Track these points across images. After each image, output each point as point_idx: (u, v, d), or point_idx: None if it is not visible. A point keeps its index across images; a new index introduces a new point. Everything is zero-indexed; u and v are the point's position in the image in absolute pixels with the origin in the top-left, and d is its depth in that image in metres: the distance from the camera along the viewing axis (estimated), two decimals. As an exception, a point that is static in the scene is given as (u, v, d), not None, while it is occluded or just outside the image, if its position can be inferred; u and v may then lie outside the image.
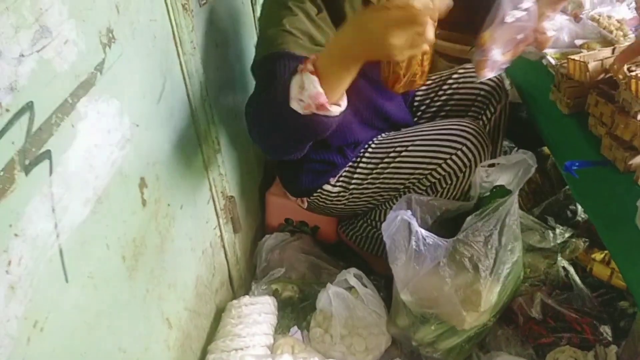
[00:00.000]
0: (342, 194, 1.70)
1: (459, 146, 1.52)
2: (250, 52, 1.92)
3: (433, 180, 1.59)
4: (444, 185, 1.59)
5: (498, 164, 1.52)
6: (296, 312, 1.73)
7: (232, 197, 1.64)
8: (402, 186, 1.64)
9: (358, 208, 1.76)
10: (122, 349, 1.06)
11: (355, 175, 1.67)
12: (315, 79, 1.04)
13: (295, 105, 1.07)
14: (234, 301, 1.61)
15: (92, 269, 0.95)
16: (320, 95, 1.04)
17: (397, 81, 1.18)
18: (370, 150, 1.67)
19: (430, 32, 0.97)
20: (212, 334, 1.55)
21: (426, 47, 1.02)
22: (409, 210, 1.45)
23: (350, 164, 1.67)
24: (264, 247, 1.89)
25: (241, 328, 1.50)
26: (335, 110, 1.08)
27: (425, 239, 1.41)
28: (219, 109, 1.58)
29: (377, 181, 1.65)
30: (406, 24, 0.95)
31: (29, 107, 0.77)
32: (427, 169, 1.57)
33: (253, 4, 1.91)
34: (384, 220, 1.72)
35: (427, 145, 1.57)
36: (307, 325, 1.68)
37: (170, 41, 1.25)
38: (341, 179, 1.68)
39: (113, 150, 1.00)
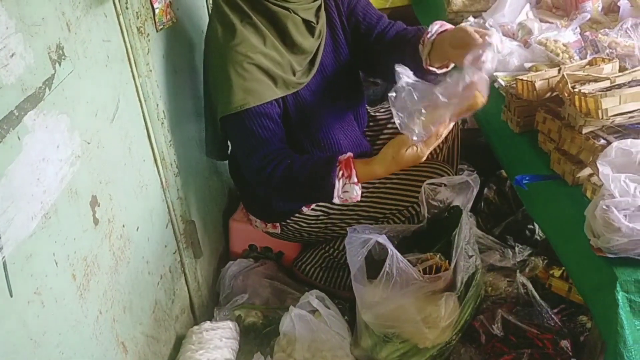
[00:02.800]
0: (321, 217, 1.71)
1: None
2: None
3: (414, 212, 1.64)
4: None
5: (444, 184, 1.59)
6: (260, 338, 1.70)
7: (192, 221, 1.63)
8: (382, 215, 1.67)
9: (332, 233, 1.77)
10: (72, 371, 1.03)
11: None
12: (358, 188, 1.42)
13: (336, 200, 1.44)
14: (195, 327, 1.58)
15: (39, 285, 0.93)
16: (358, 196, 1.43)
17: None
18: None
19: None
20: (171, 362, 1.52)
21: None
22: (383, 235, 1.47)
23: None
24: (227, 273, 1.87)
25: (201, 354, 1.47)
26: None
27: (399, 263, 1.42)
28: (178, 134, 1.58)
29: (359, 208, 1.68)
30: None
31: (-29, 115, 0.77)
32: (411, 200, 1.63)
33: (214, 34, 1.94)
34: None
35: (412, 179, 1.65)
36: (270, 351, 1.65)
37: (125, 62, 1.26)
38: (322, 203, 1.69)
39: (62, 166, 1.00)
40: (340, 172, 1.41)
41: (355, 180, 1.40)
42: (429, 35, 1.47)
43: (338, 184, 1.40)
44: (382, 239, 1.43)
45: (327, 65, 1.63)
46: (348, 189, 1.41)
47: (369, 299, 1.49)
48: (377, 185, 1.67)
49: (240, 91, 1.42)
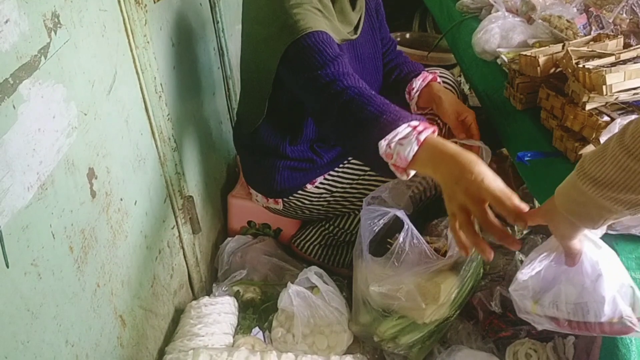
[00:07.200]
0: (324, 195, 1.71)
1: None
2: (209, 57, 1.91)
3: (417, 190, 1.64)
4: (428, 195, 1.65)
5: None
6: (258, 313, 1.71)
7: (190, 197, 1.62)
8: None
9: (335, 211, 1.77)
10: (70, 343, 1.03)
11: (342, 178, 1.69)
12: (416, 148, 1.05)
13: (382, 143, 1.09)
14: (193, 302, 1.58)
15: (36, 256, 0.92)
16: (407, 162, 1.06)
17: None
18: None
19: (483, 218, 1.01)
20: (169, 336, 1.52)
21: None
22: (401, 210, 1.46)
23: (337, 167, 1.71)
24: (225, 249, 1.87)
25: (200, 327, 1.48)
26: (403, 177, 1.11)
27: (414, 238, 1.42)
28: (176, 108, 1.56)
29: (362, 187, 1.68)
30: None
31: (-36, 82, 0.75)
32: (415, 180, 1.61)
33: (212, 7, 1.91)
34: (347, 228, 1.76)
35: None
36: (269, 326, 1.66)
37: (122, 33, 1.23)
38: (326, 180, 1.70)
39: (58, 137, 0.98)
40: (415, 122, 1.10)
41: (423, 137, 1.06)
42: (413, 91, 1.71)
43: (402, 128, 1.09)
44: (400, 214, 1.44)
45: (361, 42, 1.63)
46: (404, 143, 1.07)
47: (377, 270, 1.48)
48: None
49: (303, 21, 1.33)
